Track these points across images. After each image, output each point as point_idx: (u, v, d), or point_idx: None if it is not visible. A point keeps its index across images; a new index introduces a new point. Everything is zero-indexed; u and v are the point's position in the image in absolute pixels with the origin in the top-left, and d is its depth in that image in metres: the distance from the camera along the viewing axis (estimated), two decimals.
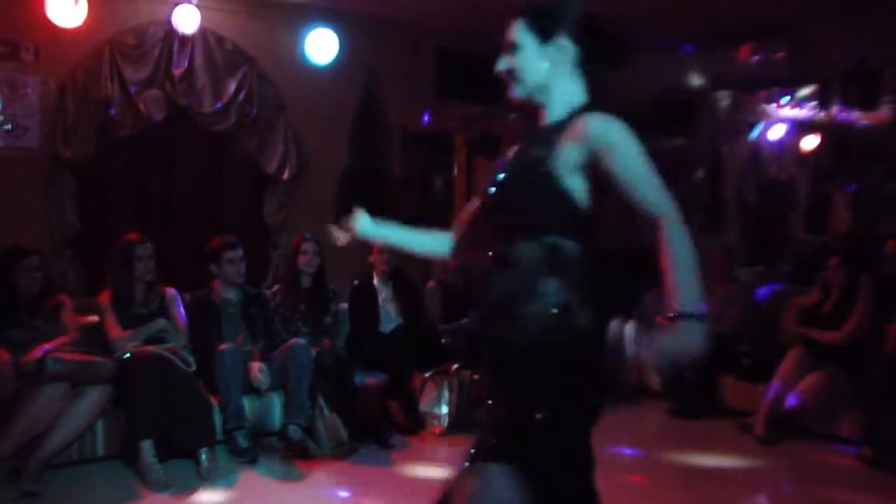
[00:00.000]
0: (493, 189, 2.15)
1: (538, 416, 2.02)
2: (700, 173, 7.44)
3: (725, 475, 4.59)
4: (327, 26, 6.11)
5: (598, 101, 2.11)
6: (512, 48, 2.12)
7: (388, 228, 2.50)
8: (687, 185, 7.47)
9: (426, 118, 7.08)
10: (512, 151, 2.21)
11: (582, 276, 2.08)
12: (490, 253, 2.12)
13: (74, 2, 5.06)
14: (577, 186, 2.01)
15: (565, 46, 2.06)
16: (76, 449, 4.19)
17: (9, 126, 5.15)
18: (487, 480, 2.03)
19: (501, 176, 2.14)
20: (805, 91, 6.56)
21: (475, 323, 2.30)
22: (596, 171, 1.98)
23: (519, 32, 2.10)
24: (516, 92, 2.16)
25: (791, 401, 5.10)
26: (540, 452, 2.04)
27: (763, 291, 6.17)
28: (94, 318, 4.62)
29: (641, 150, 1.95)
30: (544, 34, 2.07)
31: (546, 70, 2.08)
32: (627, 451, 4.98)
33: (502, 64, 2.15)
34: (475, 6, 6.08)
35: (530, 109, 2.17)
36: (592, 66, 2.11)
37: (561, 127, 2.04)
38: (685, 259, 1.91)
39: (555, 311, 2.01)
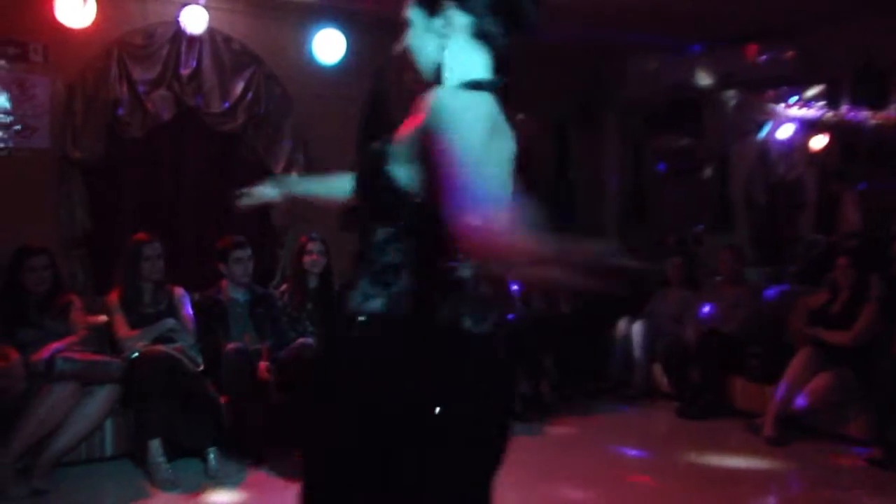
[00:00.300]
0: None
1: None
2: (708, 173, 7.42)
3: (734, 476, 4.57)
4: (335, 26, 6.12)
5: (503, 74, 1.89)
6: (405, 27, 1.90)
7: (295, 182, 2.38)
8: (695, 184, 7.46)
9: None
10: None
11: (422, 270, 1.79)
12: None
13: (83, 2, 5.07)
14: (411, 176, 1.77)
15: (453, 16, 1.81)
16: (85, 448, 4.22)
17: (18, 126, 5.17)
18: None
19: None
20: (813, 90, 6.53)
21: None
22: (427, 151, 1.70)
23: (410, 8, 1.88)
24: (417, 77, 1.91)
25: (800, 402, 5.09)
26: None
27: (771, 292, 6.16)
28: (103, 318, 4.64)
29: (483, 130, 1.68)
30: (430, 6, 1.84)
31: (436, 46, 1.84)
32: (635, 451, 4.97)
33: (397, 47, 1.92)
34: None
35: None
36: (490, 33, 1.83)
37: None
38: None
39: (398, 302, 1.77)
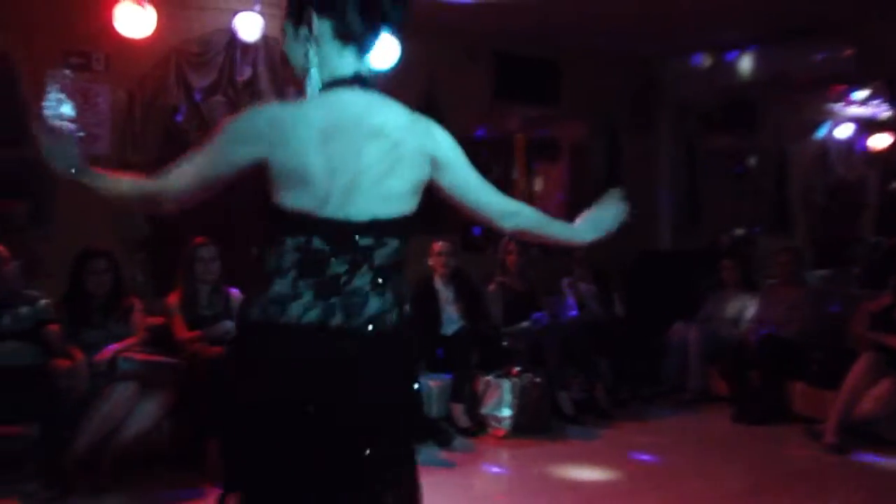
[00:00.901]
0: None
1: None
2: (762, 173, 7.31)
3: (791, 483, 4.47)
4: (388, 31, 6.14)
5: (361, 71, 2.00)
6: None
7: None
8: (750, 185, 7.34)
9: (484, 126, 7.07)
10: None
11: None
12: None
13: (143, 12, 5.19)
14: None
15: (315, 24, 1.91)
16: (145, 446, 4.29)
17: (82, 134, 5.30)
18: None
19: None
20: (872, 89, 6.39)
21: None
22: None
23: (284, 20, 2.00)
24: (294, 78, 2.05)
25: (863, 408, 4.96)
26: None
27: (834, 308, 6.00)
28: (162, 320, 4.73)
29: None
30: (296, 17, 1.95)
31: (303, 52, 1.94)
32: (691, 456, 4.90)
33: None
34: (532, 8, 6.07)
35: None
36: (353, 33, 1.95)
37: None
38: None
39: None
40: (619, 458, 4.77)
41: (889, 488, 4.39)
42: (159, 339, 4.63)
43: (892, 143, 6.45)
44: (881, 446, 4.95)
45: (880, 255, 6.23)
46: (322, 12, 1.91)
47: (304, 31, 1.92)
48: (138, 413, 4.12)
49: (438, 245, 5.72)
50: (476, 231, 6.93)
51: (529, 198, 7.75)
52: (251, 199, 5.96)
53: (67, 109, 5.23)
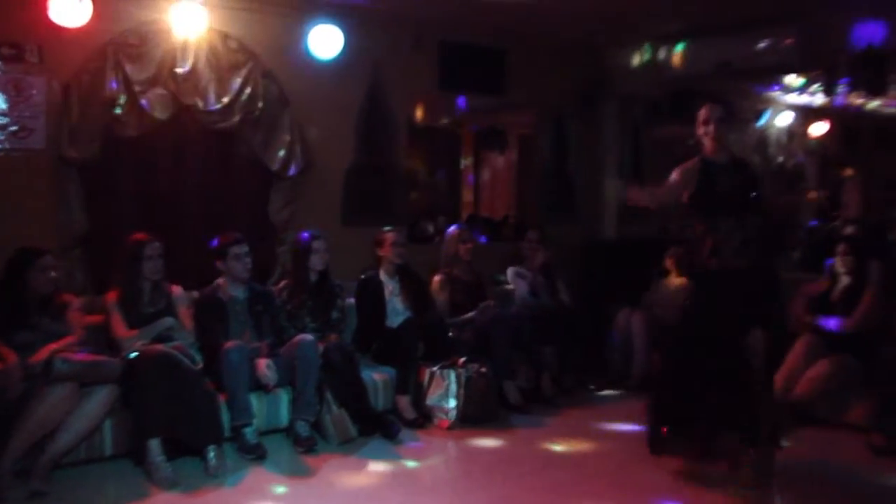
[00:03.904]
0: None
1: None
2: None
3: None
4: (331, 22, 6.10)
5: None
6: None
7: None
8: None
9: (430, 116, 7.08)
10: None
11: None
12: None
13: (78, 2, 5.06)
14: None
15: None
16: (84, 448, 4.22)
17: (15, 127, 5.17)
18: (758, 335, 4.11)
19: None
20: (812, 78, 6.50)
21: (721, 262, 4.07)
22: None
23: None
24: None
25: (800, 389, 5.08)
26: None
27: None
28: (101, 318, 4.65)
29: None
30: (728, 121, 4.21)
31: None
32: (636, 441, 4.96)
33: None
34: None
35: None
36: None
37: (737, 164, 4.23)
38: None
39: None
40: (565, 446, 4.83)
41: (826, 466, 4.50)
42: (98, 338, 4.56)
43: (829, 131, 6.57)
44: (818, 425, 5.08)
45: (819, 240, 6.36)
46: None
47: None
48: (77, 415, 4.02)
49: (391, 235, 5.70)
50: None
51: (477, 186, 7.78)
52: (192, 192, 5.90)
53: None
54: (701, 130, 4.26)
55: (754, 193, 4.10)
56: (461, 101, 7.82)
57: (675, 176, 4.30)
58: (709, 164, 4.18)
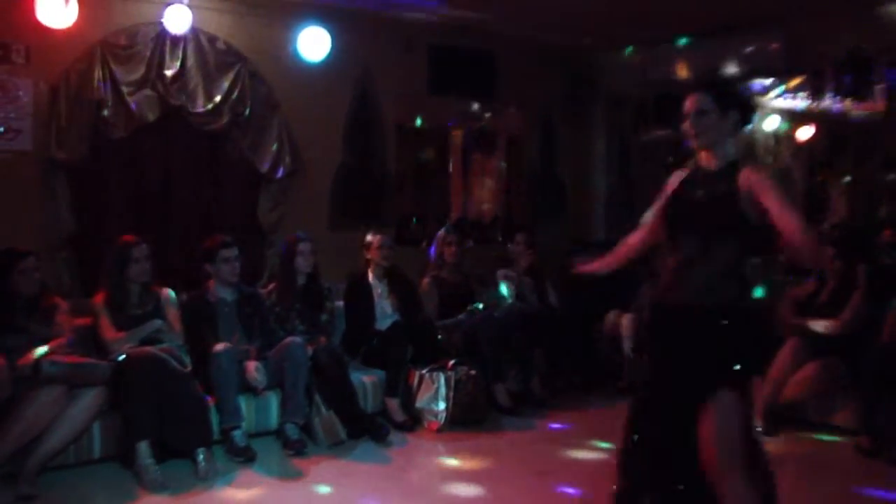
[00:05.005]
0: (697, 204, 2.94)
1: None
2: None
3: None
4: (319, 24, 6.10)
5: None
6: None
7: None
8: None
9: (419, 118, 7.09)
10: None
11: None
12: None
13: (65, 3, 5.04)
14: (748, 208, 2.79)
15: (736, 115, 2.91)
16: (73, 451, 4.19)
17: (1, 129, 5.14)
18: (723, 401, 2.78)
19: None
20: (799, 81, 6.54)
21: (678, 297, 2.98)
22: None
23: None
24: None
25: (788, 392, 5.11)
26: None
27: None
28: (89, 320, 4.62)
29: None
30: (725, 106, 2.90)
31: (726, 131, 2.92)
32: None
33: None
34: (467, 1, 6.08)
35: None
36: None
37: (729, 171, 2.86)
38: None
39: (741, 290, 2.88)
40: (555, 448, 4.83)
41: (814, 469, 4.52)
42: (86, 341, 4.53)
43: (815, 135, 6.61)
44: (806, 428, 5.11)
45: None
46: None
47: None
48: (66, 417, 4.00)
49: (378, 238, 5.70)
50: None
51: (465, 189, 7.78)
52: (180, 194, 5.88)
53: None
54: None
55: (734, 211, 2.83)
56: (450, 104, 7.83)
57: (650, 214, 3.26)
58: (695, 172, 3.06)
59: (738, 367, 2.86)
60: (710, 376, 2.85)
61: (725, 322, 2.87)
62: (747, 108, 3.01)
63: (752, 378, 3.00)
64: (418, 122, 7.16)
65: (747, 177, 2.81)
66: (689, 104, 2.96)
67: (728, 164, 2.91)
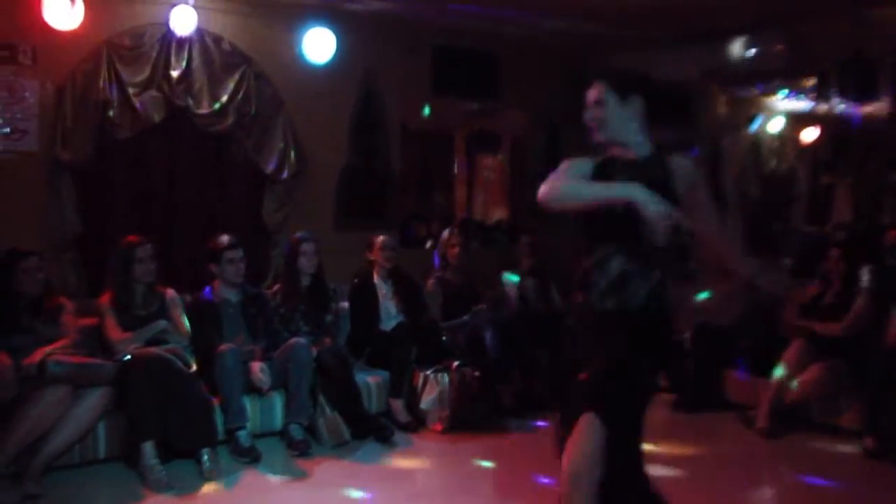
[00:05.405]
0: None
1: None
2: (700, 165, 7.44)
3: (727, 468, 4.58)
4: (324, 25, 6.11)
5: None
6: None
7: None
8: None
9: (423, 120, 7.09)
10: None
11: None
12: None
13: (71, 4, 5.06)
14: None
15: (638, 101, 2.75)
16: (78, 451, 4.20)
17: (7, 129, 5.16)
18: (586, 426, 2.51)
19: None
20: (803, 83, 6.54)
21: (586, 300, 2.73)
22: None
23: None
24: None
25: (792, 393, 5.11)
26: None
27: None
28: (94, 321, 4.63)
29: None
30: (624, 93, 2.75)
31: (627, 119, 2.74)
32: None
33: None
34: (471, 2, 6.08)
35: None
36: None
37: (658, 161, 2.70)
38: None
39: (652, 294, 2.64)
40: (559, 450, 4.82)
41: (819, 470, 4.52)
42: (91, 341, 4.54)
43: (820, 136, 6.61)
44: (811, 429, 5.11)
45: (810, 245, 6.39)
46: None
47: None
48: (71, 417, 4.02)
49: (381, 239, 5.70)
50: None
51: (470, 191, 7.80)
52: (186, 195, 5.90)
53: None
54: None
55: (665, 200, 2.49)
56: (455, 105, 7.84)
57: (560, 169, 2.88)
58: (608, 164, 2.78)
59: (614, 389, 2.55)
60: (587, 391, 2.57)
61: (625, 333, 2.59)
62: (651, 92, 2.81)
63: (636, 403, 2.67)
64: (426, 111, 7.14)
65: (682, 165, 2.72)
66: (588, 97, 2.79)
67: (653, 150, 2.75)
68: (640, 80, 2.86)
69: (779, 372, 5.16)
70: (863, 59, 5.97)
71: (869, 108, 6.15)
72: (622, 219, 2.53)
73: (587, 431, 2.53)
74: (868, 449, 4.68)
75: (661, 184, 2.59)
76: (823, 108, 6.47)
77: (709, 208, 2.74)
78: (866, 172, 6.31)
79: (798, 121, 6.73)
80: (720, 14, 6.23)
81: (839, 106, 6.29)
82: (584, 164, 2.81)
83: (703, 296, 5.19)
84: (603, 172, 2.75)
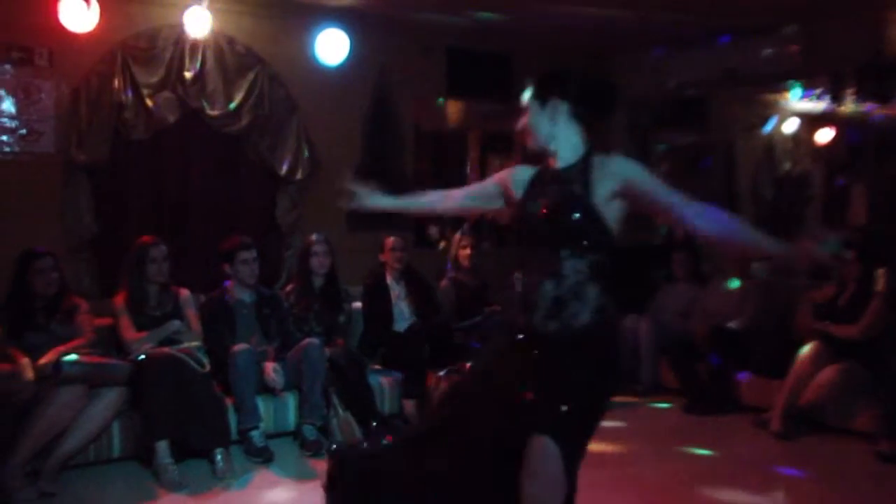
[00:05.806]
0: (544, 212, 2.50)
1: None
2: (714, 168, 7.40)
3: (741, 471, 4.55)
4: (338, 27, 6.12)
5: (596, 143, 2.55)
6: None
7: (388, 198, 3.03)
8: (701, 180, 7.42)
9: (437, 121, 7.09)
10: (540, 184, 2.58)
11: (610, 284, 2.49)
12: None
13: (86, 7, 5.09)
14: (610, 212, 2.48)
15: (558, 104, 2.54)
16: (93, 450, 4.24)
17: (24, 131, 5.20)
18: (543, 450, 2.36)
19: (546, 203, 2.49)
20: (819, 84, 6.49)
21: (527, 322, 2.51)
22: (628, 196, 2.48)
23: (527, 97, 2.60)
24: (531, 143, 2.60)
25: (807, 396, 5.07)
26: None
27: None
28: (109, 321, 4.66)
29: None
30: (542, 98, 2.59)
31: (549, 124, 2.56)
32: (642, 446, 4.96)
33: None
34: (486, 4, 6.08)
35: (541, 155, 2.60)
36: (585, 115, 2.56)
37: (580, 167, 2.51)
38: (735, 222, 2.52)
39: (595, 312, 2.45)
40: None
41: (834, 474, 4.49)
42: (106, 341, 4.57)
43: (835, 138, 6.56)
44: (825, 432, 5.07)
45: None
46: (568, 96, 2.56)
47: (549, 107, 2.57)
48: (86, 416, 4.06)
49: (391, 240, 5.72)
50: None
51: None
52: (200, 196, 5.92)
53: (8, 106, 5.13)
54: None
55: (577, 215, 2.45)
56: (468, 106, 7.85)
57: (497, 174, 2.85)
58: (542, 174, 2.63)
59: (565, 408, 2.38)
60: (536, 415, 2.39)
61: (563, 354, 2.42)
62: (574, 92, 2.58)
63: (590, 424, 2.51)
64: (439, 101, 7.13)
65: (607, 167, 2.50)
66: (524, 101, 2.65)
67: (582, 156, 2.54)
68: (558, 82, 2.61)
69: (793, 374, 5.14)
70: (880, 61, 5.93)
71: (885, 110, 6.10)
72: (545, 229, 2.49)
73: (544, 456, 2.37)
74: (883, 452, 4.65)
75: (576, 197, 2.46)
76: (839, 109, 6.42)
77: (659, 190, 2.47)
78: (882, 174, 6.25)
79: (813, 122, 6.68)
80: (734, 15, 6.20)
81: (856, 107, 6.25)
82: (525, 171, 2.67)
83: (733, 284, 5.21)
84: (533, 183, 2.61)
